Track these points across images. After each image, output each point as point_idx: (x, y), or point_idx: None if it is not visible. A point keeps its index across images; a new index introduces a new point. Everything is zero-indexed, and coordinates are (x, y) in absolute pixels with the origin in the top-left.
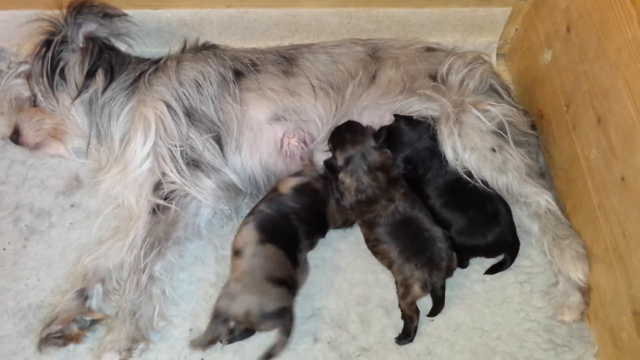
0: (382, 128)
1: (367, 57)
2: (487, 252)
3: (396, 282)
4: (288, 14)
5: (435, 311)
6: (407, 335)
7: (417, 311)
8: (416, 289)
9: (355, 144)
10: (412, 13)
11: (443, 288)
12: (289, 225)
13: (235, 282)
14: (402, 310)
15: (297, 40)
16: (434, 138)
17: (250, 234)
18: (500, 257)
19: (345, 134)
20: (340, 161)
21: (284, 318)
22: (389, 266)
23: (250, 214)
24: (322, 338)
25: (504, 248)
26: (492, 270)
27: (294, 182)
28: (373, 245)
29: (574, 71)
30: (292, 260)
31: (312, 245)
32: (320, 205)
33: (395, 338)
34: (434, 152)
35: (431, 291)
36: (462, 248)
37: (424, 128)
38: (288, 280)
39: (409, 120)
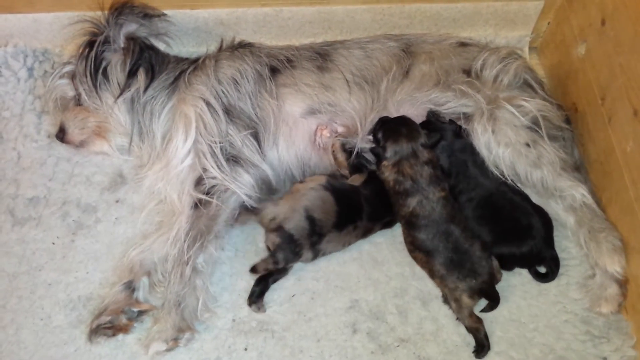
0: (432, 128)
1: (400, 52)
2: (522, 263)
3: (445, 297)
4: (321, 12)
5: (490, 308)
6: (482, 347)
7: (479, 320)
8: (465, 299)
9: (410, 139)
10: (445, 8)
11: (494, 290)
12: (356, 200)
13: (284, 195)
14: (465, 326)
15: (330, 37)
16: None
17: (320, 178)
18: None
19: (401, 128)
20: (389, 152)
21: (287, 244)
22: (431, 276)
23: None
24: (361, 329)
25: (538, 260)
26: (536, 278)
27: (361, 177)
28: (410, 249)
29: (609, 64)
30: (338, 221)
31: (365, 233)
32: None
33: (473, 352)
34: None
35: (485, 296)
36: (498, 257)
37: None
38: (316, 227)
39: (456, 129)
